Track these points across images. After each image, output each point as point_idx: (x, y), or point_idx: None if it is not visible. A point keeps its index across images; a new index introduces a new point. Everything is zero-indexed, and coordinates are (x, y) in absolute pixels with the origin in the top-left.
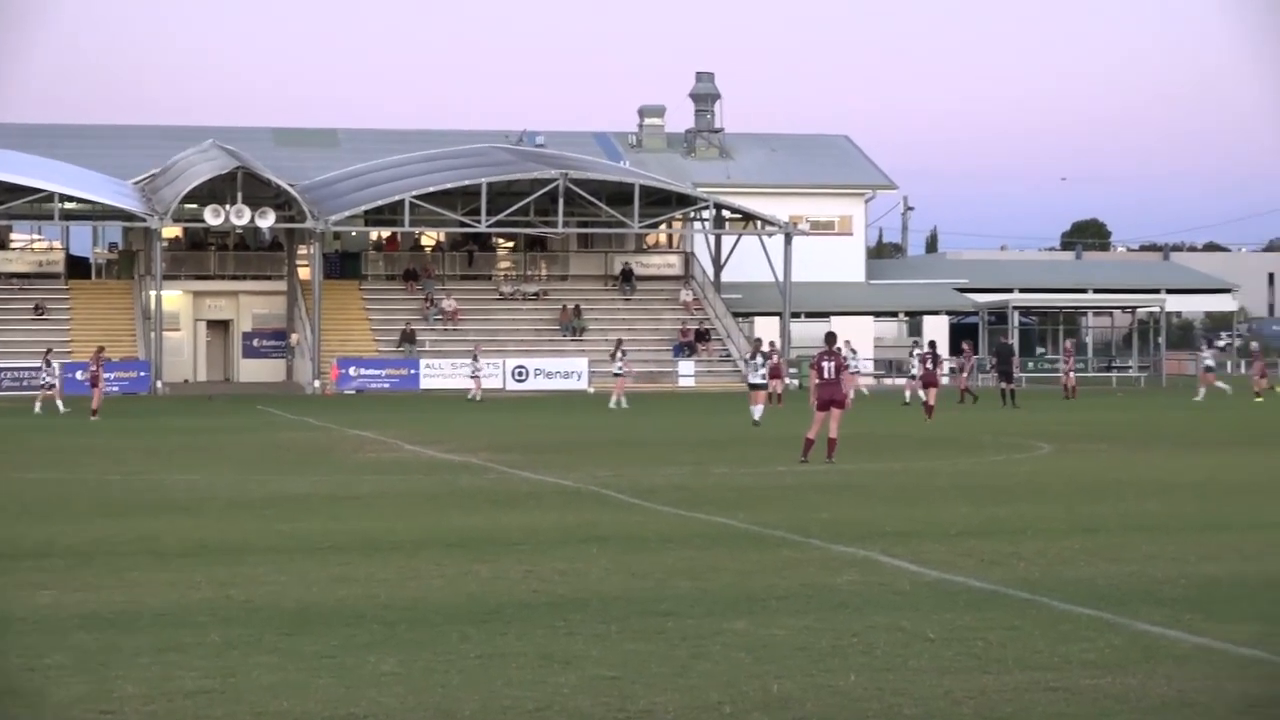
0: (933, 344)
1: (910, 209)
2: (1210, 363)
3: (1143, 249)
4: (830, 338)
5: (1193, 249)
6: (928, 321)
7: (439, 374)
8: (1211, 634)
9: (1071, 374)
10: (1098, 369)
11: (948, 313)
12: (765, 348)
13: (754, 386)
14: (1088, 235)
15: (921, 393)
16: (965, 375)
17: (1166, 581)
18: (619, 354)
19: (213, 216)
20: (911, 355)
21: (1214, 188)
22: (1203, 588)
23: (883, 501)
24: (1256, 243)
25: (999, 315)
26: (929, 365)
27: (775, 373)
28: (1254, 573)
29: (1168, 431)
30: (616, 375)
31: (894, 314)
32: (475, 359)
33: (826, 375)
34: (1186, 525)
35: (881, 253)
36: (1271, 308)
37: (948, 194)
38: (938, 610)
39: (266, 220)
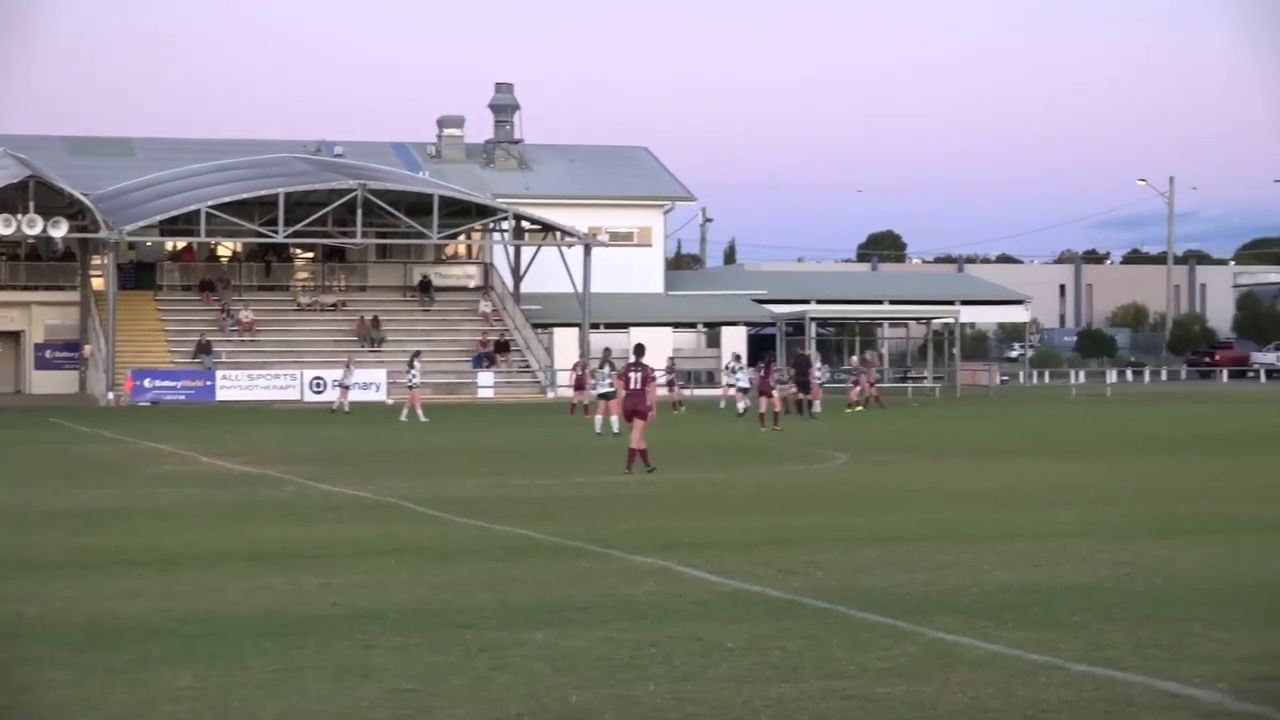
0: (769, 353)
1: (709, 220)
2: (744, 383)
3: (937, 261)
4: (639, 350)
5: (986, 261)
6: (726, 333)
7: (236, 385)
8: (1004, 641)
9: (872, 385)
10: (894, 379)
11: (746, 324)
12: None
13: (602, 396)
14: (883, 247)
15: (761, 401)
16: (868, 385)
17: (960, 589)
18: (413, 365)
19: (4, 226)
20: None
21: (1006, 201)
22: (995, 595)
23: (682, 512)
24: (1048, 255)
25: (797, 326)
26: (762, 374)
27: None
28: (1044, 580)
29: (962, 441)
30: (411, 388)
31: (693, 325)
32: (348, 367)
33: (633, 386)
34: (979, 534)
35: (680, 264)
36: (1063, 318)
37: (746, 206)
38: (736, 620)
39: (59, 230)
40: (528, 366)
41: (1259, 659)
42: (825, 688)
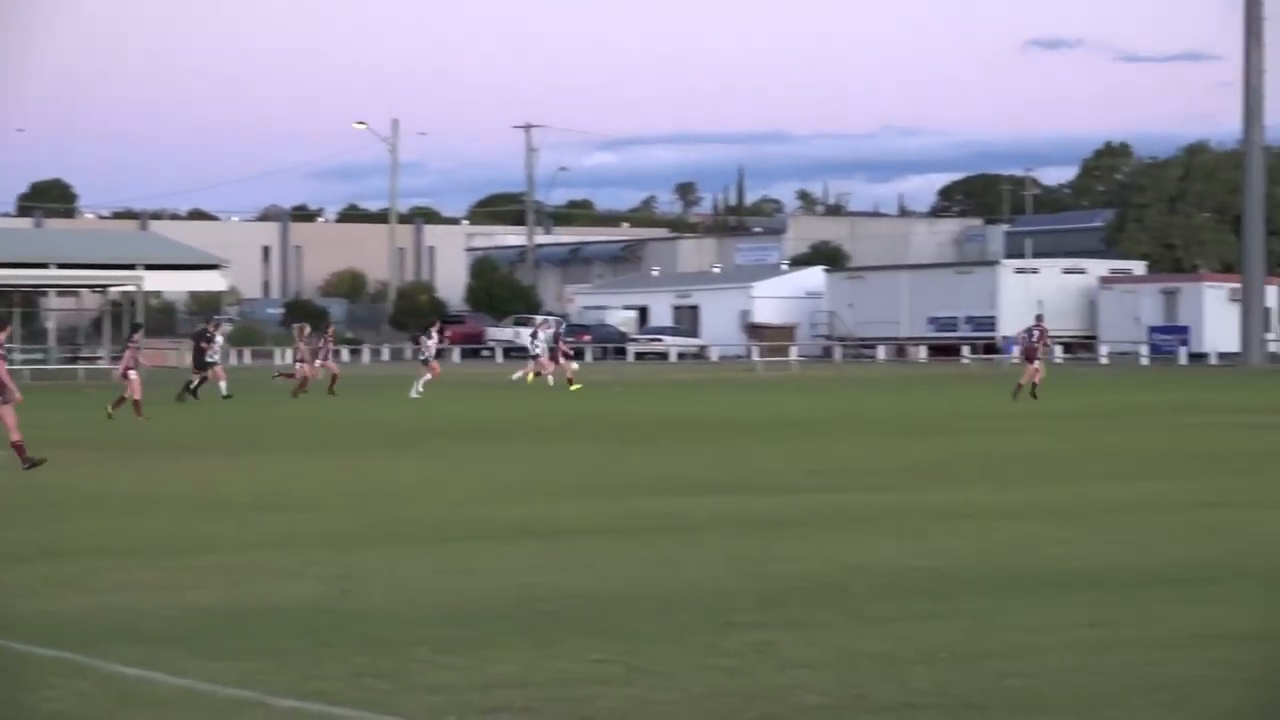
0: (326, 327)
1: None
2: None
3: (116, 216)
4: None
5: (176, 217)
6: None
7: None
8: (197, 673)
9: (331, 363)
10: (62, 360)
11: None
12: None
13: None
14: (50, 199)
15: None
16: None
17: (145, 614)
18: None
19: None
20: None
21: (200, 146)
22: (188, 620)
23: None
24: (250, 211)
25: None
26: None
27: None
28: (247, 600)
29: (146, 435)
30: None
31: None
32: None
33: None
34: (169, 547)
35: None
36: (267, 286)
37: None
38: None
39: None
40: None
41: (493, 686)
42: None
